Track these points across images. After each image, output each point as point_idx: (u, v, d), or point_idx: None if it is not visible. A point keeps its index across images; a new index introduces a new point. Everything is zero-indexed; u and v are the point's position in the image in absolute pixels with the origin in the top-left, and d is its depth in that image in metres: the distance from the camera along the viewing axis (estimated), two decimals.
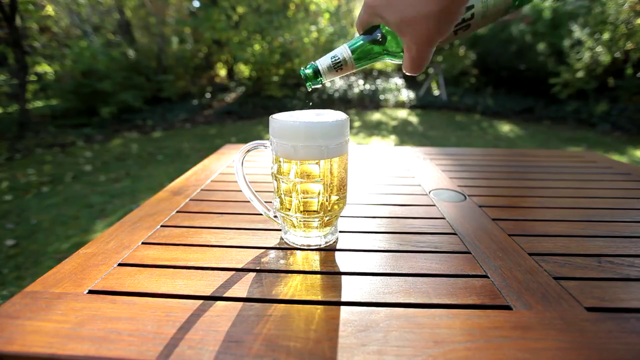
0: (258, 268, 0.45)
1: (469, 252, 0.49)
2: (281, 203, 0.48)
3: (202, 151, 3.66)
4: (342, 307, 0.37)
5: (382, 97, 6.54)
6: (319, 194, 0.46)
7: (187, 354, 0.31)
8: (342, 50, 0.39)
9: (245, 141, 2.02)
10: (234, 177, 0.51)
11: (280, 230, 0.56)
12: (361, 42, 0.39)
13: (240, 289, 0.40)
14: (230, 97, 6.62)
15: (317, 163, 0.44)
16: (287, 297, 0.39)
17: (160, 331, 0.33)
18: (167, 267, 0.45)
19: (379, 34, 0.38)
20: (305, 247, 0.49)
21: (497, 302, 0.38)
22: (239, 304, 0.37)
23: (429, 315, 0.36)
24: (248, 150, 0.49)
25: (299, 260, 0.47)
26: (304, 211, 0.47)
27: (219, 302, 0.38)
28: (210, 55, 7.38)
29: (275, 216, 0.51)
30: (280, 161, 0.46)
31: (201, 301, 0.38)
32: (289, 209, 0.47)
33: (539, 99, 5.85)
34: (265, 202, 0.52)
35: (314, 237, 0.49)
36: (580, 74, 5.18)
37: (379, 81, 7.13)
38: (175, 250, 0.49)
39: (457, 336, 0.33)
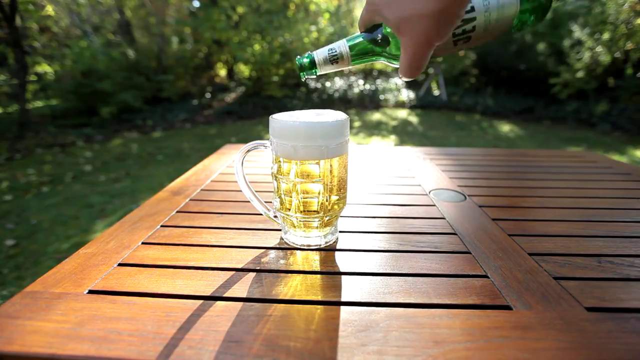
0: (258, 268, 0.45)
1: (469, 252, 0.49)
2: (281, 203, 0.48)
3: (202, 151, 3.66)
4: (342, 307, 0.37)
5: (382, 97, 6.54)
6: (319, 194, 0.46)
7: (187, 354, 0.31)
8: (341, 45, 0.39)
9: (245, 141, 2.02)
10: (234, 177, 0.51)
11: (280, 230, 0.56)
12: (360, 39, 0.39)
13: (240, 289, 0.40)
14: (230, 97, 6.62)
15: (317, 163, 0.44)
16: (287, 297, 0.39)
17: (160, 331, 0.33)
18: (167, 267, 0.45)
19: (379, 35, 0.38)
20: (305, 247, 0.49)
21: (497, 302, 0.38)
22: (239, 304, 0.37)
23: (429, 315, 0.36)
24: (248, 150, 0.49)
25: (299, 260, 0.47)
26: (304, 211, 0.47)
27: (219, 302, 0.38)
28: (210, 55, 7.39)
29: (275, 216, 0.51)
30: (280, 161, 0.46)
31: (201, 301, 0.38)
32: (289, 209, 0.47)
33: (539, 99, 5.85)
34: (265, 202, 0.52)
35: (314, 237, 0.49)
36: (580, 74, 5.18)
37: (379, 81, 7.14)
38: (175, 250, 0.49)
39: (457, 336, 0.33)
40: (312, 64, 0.40)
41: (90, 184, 2.74)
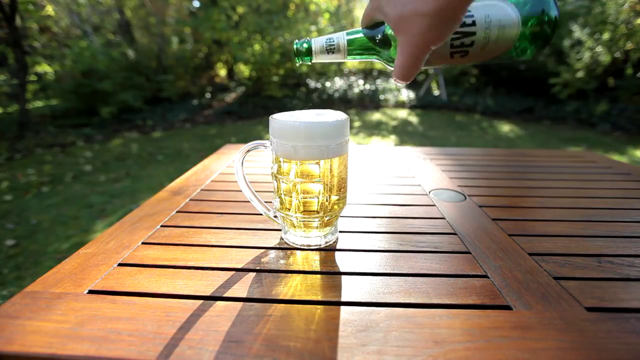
0: (258, 268, 0.45)
1: (469, 252, 0.49)
2: (281, 203, 0.48)
3: (202, 151, 3.66)
4: (342, 307, 0.37)
5: (382, 97, 6.54)
6: (319, 194, 0.46)
7: (187, 354, 0.31)
8: (340, 36, 0.39)
9: (245, 141, 2.02)
10: (234, 177, 0.51)
11: (280, 230, 0.56)
12: (360, 35, 0.39)
13: (240, 289, 0.40)
14: (230, 97, 6.62)
15: (317, 163, 0.44)
16: (287, 297, 0.39)
17: (160, 331, 0.33)
18: (167, 267, 0.45)
19: (380, 34, 0.38)
20: (305, 247, 0.49)
21: (497, 302, 0.38)
22: (239, 304, 0.37)
23: (429, 315, 0.36)
24: (248, 150, 0.49)
25: (299, 260, 0.47)
26: (304, 211, 0.47)
27: (219, 302, 0.38)
28: (210, 55, 7.39)
29: (275, 216, 0.51)
30: (280, 161, 0.46)
31: (201, 301, 0.38)
32: (289, 209, 0.47)
33: (539, 99, 5.85)
34: (265, 202, 0.52)
35: (314, 237, 0.49)
36: (580, 74, 5.18)
37: (379, 81, 7.14)
38: (175, 250, 0.49)
39: (457, 336, 0.33)
40: (309, 51, 0.40)
41: (90, 184, 2.74)
